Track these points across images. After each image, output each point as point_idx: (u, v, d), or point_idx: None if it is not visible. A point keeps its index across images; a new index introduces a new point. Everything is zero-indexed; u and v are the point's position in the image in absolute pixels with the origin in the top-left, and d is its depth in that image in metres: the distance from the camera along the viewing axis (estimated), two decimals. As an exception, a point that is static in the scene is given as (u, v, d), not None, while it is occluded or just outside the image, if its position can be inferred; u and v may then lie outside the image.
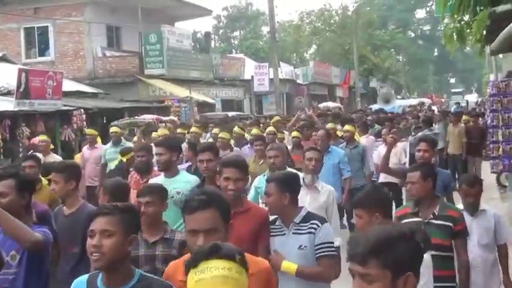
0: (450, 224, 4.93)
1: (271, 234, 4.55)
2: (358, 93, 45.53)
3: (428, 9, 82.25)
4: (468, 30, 10.43)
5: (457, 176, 15.33)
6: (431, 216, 4.94)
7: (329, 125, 12.60)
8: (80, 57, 25.00)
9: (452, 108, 29.28)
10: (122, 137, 12.11)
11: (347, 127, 10.78)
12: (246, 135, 13.10)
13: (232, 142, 11.35)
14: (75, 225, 4.98)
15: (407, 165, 10.11)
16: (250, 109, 35.07)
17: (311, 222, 4.47)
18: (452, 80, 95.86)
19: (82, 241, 4.39)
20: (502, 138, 12.09)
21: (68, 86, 20.45)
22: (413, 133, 15.01)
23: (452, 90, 76.11)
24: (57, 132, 17.50)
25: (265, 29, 62.52)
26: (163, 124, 17.95)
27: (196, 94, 25.27)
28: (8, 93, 17.63)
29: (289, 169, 6.58)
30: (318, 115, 19.09)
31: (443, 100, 49.78)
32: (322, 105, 35.56)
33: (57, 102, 17.55)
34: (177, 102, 23.16)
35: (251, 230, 4.45)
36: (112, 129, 12.02)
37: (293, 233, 4.46)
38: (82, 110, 18.30)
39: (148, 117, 18.50)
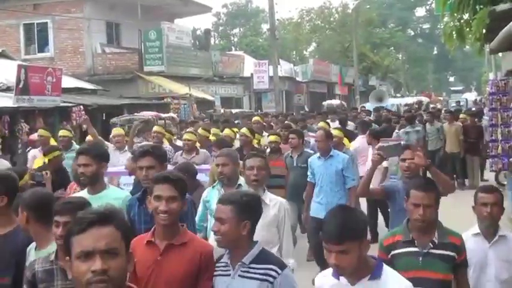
0: (453, 254, 4.09)
1: (214, 273, 3.60)
2: (357, 91, 45.50)
3: (428, 7, 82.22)
4: (468, 29, 10.42)
5: (455, 176, 15.50)
6: (431, 245, 4.06)
7: (320, 124, 11.91)
8: (79, 53, 24.98)
9: (452, 107, 29.04)
10: (73, 141, 10.71)
11: (334, 132, 9.50)
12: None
13: (198, 145, 10.20)
14: (5, 250, 4.12)
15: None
16: (249, 106, 35.07)
17: (267, 266, 3.47)
18: (452, 79, 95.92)
19: (16, 271, 3.93)
20: (501, 136, 12.11)
21: (67, 82, 20.43)
22: (397, 130, 14.97)
23: (452, 89, 76.39)
24: (56, 129, 17.48)
25: (265, 27, 62.55)
26: (162, 121, 17.95)
27: (195, 91, 25.25)
28: (7, 89, 17.64)
29: (242, 179, 5.46)
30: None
31: (441, 98, 49.47)
32: (326, 102, 35.54)
33: (56, 98, 17.54)
34: (177, 99, 23.15)
35: (188, 270, 3.58)
36: (60, 133, 10.34)
37: (239, 276, 3.49)
38: (81, 107, 18.30)
39: (147, 114, 18.49)
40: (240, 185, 5.38)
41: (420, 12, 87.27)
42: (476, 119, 16.27)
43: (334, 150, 8.32)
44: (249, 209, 3.54)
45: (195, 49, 34.17)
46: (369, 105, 27.50)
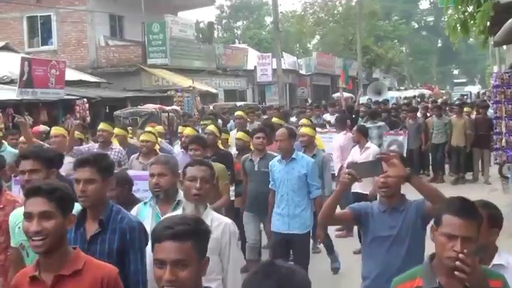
0: None
1: None
2: (361, 84, 45.42)
3: (432, 0, 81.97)
4: (472, 22, 10.38)
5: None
6: None
7: (303, 121, 10.45)
8: (82, 46, 24.98)
9: (455, 101, 28.52)
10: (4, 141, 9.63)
11: (304, 130, 8.32)
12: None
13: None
14: None
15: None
16: (253, 99, 35.04)
17: None
18: (456, 71, 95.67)
19: None
20: (505, 129, 12.09)
21: (71, 75, 20.44)
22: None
23: (455, 81, 75.22)
24: (59, 122, 17.52)
25: (269, 19, 62.48)
26: (166, 114, 17.97)
27: (199, 84, 25.24)
28: (11, 82, 17.66)
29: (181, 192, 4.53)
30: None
31: (443, 91, 49.04)
32: (336, 95, 35.43)
33: (60, 91, 17.56)
34: (180, 92, 23.15)
35: None
36: None
37: None
38: (85, 100, 18.32)
39: (151, 107, 18.50)
40: (179, 201, 4.43)
41: (424, 4, 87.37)
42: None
43: (297, 153, 7.04)
44: (198, 239, 2.57)
45: (199, 42, 34.13)
46: (365, 98, 27.33)
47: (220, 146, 8.65)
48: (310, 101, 36.63)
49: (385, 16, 65.41)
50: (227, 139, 9.59)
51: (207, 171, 4.13)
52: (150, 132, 8.76)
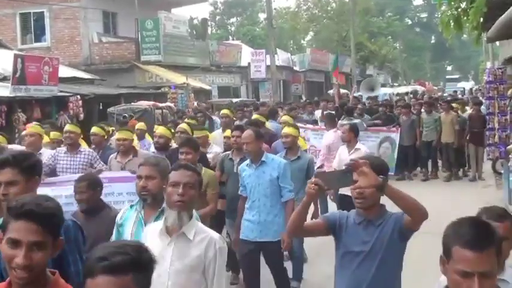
0: None
1: None
2: (354, 80, 45.45)
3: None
4: (465, 18, 10.41)
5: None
6: None
7: (284, 118, 10.40)
8: (76, 43, 24.91)
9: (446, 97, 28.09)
10: None
11: (287, 129, 7.67)
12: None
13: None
14: None
15: None
16: (247, 96, 35.01)
17: None
18: (449, 68, 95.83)
19: None
20: (498, 125, 12.15)
21: (64, 72, 20.38)
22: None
23: (447, 77, 75.08)
24: (53, 118, 17.46)
25: (262, 16, 62.46)
26: (160, 110, 17.95)
27: (192, 81, 25.22)
28: (4, 78, 17.59)
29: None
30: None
31: (436, 88, 48.90)
32: (331, 92, 35.41)
33: (53, 88, 17.50)
34: (174, 89, 23.13)
35: None
36: None
37: None
38: (78, 96, 18.26)
39: (145, 104, 18.47)
40: (164, 209, 3.87)
41: (418, 1, 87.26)
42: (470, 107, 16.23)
43: (267, 155, 6.50)
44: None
45: (192, 38, 34.07)
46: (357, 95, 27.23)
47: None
48: (304, 97, 36.65)
49: (379, 12, 65.44)
50: (206, 137, 8.61)
51: (192, 177, 3.68)
52: (127, 129, 8.30)
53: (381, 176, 3.48)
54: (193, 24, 48.56)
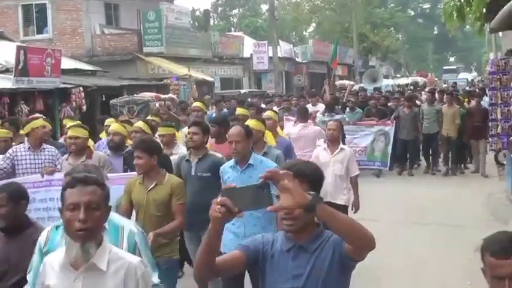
0: None
1: None
2: (357, 71, 45.39)
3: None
4: (468, 9, 10.41)
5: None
6: None
7: (267, 113, 8.83)
8: (78, 34, 24.88)
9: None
10: None
11: (250, 123, 6.61)
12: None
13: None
14: None
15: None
16: (249, 88, 34.99)
17: None
18: (452, 59, 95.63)
19: None
20: (501, 116, 12.15)
21: (67, 63, 20.36)
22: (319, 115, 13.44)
23: (444, 68, 72.00)
24: (56, 110, 17.49)
25: (265, 7, 62.23)
26: (162, 102, 17.94)
27: (195, 72, 25.20)
28: (7, 70, 17.59)
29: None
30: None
31: (436, 79, 48.08)
32: (338, 82, 35.30)
33: (55, 79, 17.50)
34: (176, 80, 23.12)
35: None
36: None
37: None
38: (81, 88, 18.25)
39: (147, 95, 18.47)
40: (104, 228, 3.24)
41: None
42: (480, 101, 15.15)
43: (255, 156, 5.71)
44: None
45: (195, 30, 34.05)
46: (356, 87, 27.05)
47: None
48: (306, 88, 36.61)
49: (381, 3, 65.23)
50: (172, 136, 7.56)
51: (95, 194, 2.87)
52: (80, 126, 7.16)
53: (310, 192, 2.65)
54: (196, 16, 48.52)
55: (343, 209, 7.18)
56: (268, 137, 7.47)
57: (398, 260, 7.90)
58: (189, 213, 5.68)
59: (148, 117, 9.19)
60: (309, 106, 13.85)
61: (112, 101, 18.00)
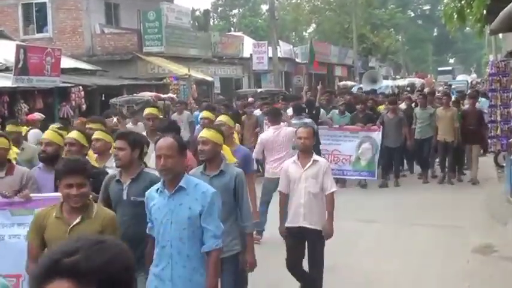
0: None
1: None
2: (357, 72, 45.42)
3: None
4: (468, 10, 10.43)
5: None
6: None
7: (221, 118, 7.06)
8: (78, 34, 24.87)
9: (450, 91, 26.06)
10: None
11: (205, 134, 5.34)
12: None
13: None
14: None
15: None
16: (248, 88, 34.97)
17: None
18: (452, 61, 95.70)
19: None
20: (500, 118, 12.15)
21: (66, 62, 20.37)
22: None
23: (439, 69, 69.31)
24: (55, 109, 17.50)
25: (264, 7, 62.25)
26: (162, 102, 17.97)
27: (195, 72, 25.21)
28: (6, 69, 17.60)
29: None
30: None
31: (434, 81, 47.23)
32: (342, 83, 35.28)
33: (55, 79, 17.51)
34: (176, 80, 23.12)
35: None
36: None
37: None
38: (80, 87, 18.27)
39: (147, 95, 18.48)
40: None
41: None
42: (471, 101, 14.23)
43: (189, 178, 4.41)
44: None
45: (194, 30, 34.05)
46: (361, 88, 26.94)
47: (94, 162, 5.87)
48: (305, 88, 36.59)
49: (381, 4, 65.33)
50: (109, 144, 6.20)
51: None
52: (14, 123, 6.44)
53: None
54: (196, 16, 48.52)
55: (319, 235, 6.11)
56: (226, 152, 5.82)
57: (397, 261, 7.90)
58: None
59: (88, 126, 7.50)
60: (290, 111, 13.01)
61: (112, 100, 18.01)
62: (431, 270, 7.58)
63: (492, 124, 12.53)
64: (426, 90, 25.33)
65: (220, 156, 5.41)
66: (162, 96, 18.97)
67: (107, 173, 5.32)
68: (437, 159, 14.03)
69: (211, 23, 46.68)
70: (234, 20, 71.13)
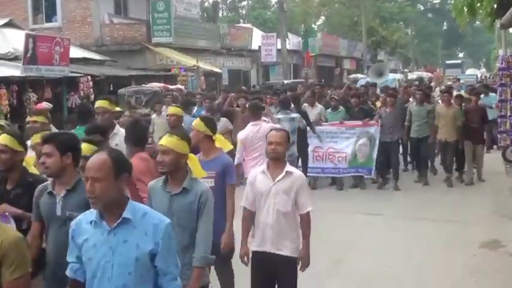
0: None
1: None
2: (365, 65, 45.28)
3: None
4: (479, 4, 10.38)
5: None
6: None
7: (171, 110, 7.90)
8: (87, 23, 24.88)
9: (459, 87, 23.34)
10: None
11: (165, 141, 4.49)
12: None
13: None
14: None
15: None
16: (257, 80, 34.96)
17: None
18: (461, 54, 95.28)
19: None
20: (510, 112, 12.09)
21: (75, 52, 20.40)
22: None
23: (447, 62, 67.29)
24: (64, 99, 17.54)
25: (274, -1, 62.09)
26: (170, 93, 17.97)
27: (203, 63, 25.21)
28: (15, 58, 17.64)
29: None
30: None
31: (442, 75, 46.16)
32: (352, 76, 35.11)
33: (64, 68, 17.54)
34: (184, 71, 23.13)
35: None
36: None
37: None
38: (89, 77, 18.30)
39: (155, 86, 18.49)
40: None
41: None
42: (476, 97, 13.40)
43: (134, 206, 3.26)
44: None
45: (203, 21, 34.00)
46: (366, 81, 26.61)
47: (32, 169, 4.95)
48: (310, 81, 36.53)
49: (391, -3, 65.08)
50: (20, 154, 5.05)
51: None
52: None
53: None
54: (205, 7, 48.43)
55: (291, 263, 5.02)
56: (193, 163, 4.56)
57: (402, 256, 7.90)
58: (52, 267, 4.06)
59: (29, 118, 7.04)
60: (272, 108, 12.12)
61: (120, 91, 18.04)
62: (437, 264, 7.57)
63: (502, 119, 12.48)
64: (433, 85, 25.24)
65: (185, 169, 4.45)
66: (170, 87, 18.98)
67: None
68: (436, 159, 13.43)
69: (220, 15, 46.59)
70: (243, 12, 70.99)
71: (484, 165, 13.14)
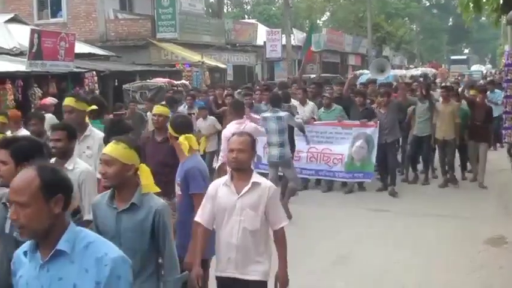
0: None
1: None
2: (370, 61, 45.19)
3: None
4: (485, 0, 10.34)
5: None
6: None
7: (157, 110, 6.96)
8: (92, 19, 24.89)
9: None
10: None
11: (109, 150, 3.80)
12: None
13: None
14: None
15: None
16: (262, 75, 34.94)
17: None
18: (466, 50, 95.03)
19: None
20: (515, 108, 12.03)
21: (80, 48, 20.43)
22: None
23: (452, 58, 65.79)
24: (69, 94, 17.54)
25: (279, -5, 62.00)
26: (175, 88, 17.97)
27: (208, 59, 25.20)
28: (21, 53, 17.68)
29: None
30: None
31: (447, 70, 45.27)
32: (359, 72, 34.92)
33: (69, 63, 17.57)
34: (189, 67, 23.13)
35: None
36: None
37: None
38: (94, 72, 18.33)
39: (160, 81, 18.50)
40: None
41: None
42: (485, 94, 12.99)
43: (75, 233, 2.53)
44: None
45: (208, 16, 33.98)
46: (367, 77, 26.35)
47: None
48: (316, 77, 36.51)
49: (396, -7, 64.95)
50: None
51: None
52: None
53: None
54: (209, 2, 48.41)
55: (260, 287, 4.39)
56: (144, 174, 3.81)
57: (408, 252, 7.89)
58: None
59: None
60: (263, 105, 11.70)
61: (125, 86, 18.06)
62: (442, 260, 7.57)
63: (507, 115, 12.40)
64: (438, 81, 24.94)
65: (134, 182, 3.76)
66: (175, 82, 18.98)
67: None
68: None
69: (224, 10, 46.57)
70: (248, 7, 70.95)
71: (490, 162, 12.79)
